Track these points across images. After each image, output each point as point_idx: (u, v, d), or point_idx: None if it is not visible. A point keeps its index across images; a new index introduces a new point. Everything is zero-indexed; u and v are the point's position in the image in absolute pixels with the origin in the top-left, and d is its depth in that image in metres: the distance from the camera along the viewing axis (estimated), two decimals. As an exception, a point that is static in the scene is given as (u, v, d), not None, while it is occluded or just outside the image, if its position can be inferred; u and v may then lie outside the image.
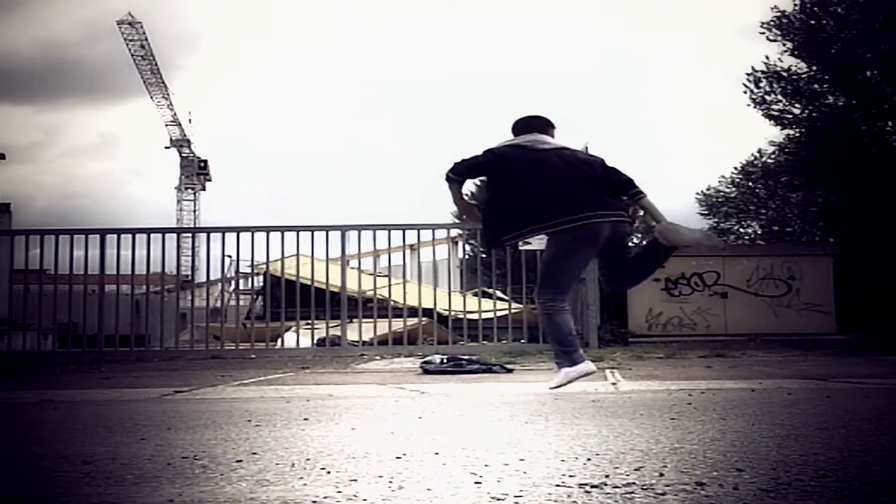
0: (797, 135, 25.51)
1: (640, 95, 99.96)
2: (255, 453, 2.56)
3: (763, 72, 24.94)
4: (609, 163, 5.24)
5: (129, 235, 11.04)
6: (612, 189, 5.12)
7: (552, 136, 5.31)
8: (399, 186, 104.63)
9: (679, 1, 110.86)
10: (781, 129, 25.97)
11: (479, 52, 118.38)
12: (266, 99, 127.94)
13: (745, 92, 25.18)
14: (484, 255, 27.00)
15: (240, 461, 2.41)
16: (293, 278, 11.14)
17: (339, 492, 1.97)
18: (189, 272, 42.06)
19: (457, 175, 5.23)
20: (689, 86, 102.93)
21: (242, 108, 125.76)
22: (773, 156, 28.21)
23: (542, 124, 5.35)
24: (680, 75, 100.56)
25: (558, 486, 2.00)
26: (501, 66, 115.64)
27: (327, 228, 11.12)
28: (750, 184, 31.95)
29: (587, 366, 4.94)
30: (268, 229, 11.03)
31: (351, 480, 2.10)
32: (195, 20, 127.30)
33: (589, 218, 4.93)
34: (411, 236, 11.96)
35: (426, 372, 6.92)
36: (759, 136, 77.85)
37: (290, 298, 11.07)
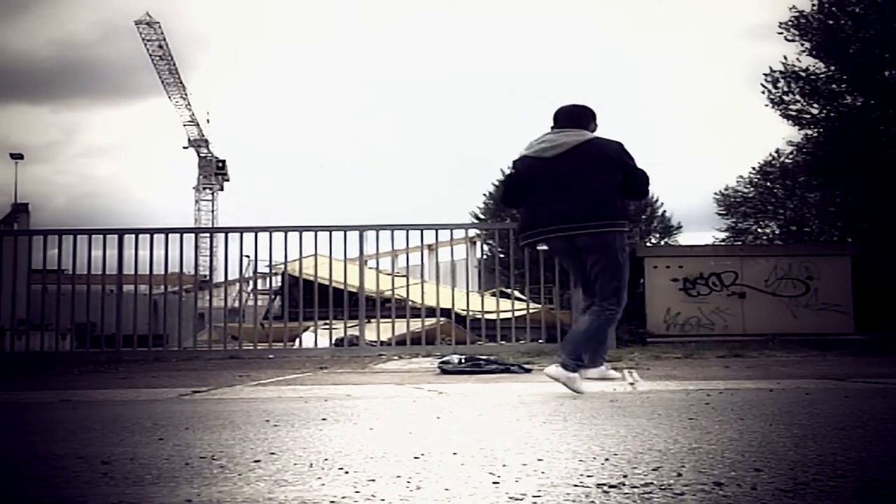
0: (815, 135, 25.35)
1: (641, 96, 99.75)
2: (273, 453, 2.57)
3: (781, 72, 24.81)
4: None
5: (147, 235, 11.06)
6: (628, 191, 5.09)
7: (592, 129, 5.23)
8: (402, 187, 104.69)
9: (679, 1, 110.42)
10: (799, 130, 25.84)
11: (479, 52, 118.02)
12: (281, 99, 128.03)
13: (763, 92, 25.07)
14: (502, 255, 27.02)
15: (258, 461, 2.42)
16: (311, 278, 11.14)
17: (357, 492, 1.97)
18: (207, 272, 42.23)
19: (508, 205, 5.92)
20: (689, 86, 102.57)
21: (259, 108, 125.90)
22: (791, 156, 28.04)
23: (573, 117, 5.23)
24: (680, 75, 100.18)
25: (576, 486, 2.00)
26: (501, 66, 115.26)
27: (345, 228, 11.13)
28: (768, 184, 31.81)
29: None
30: (286, 229, 11.03)
31: (369, 480, 2.11)
32: (207, 19, 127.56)
33: (553, 232, 5.03)
34: (429, 236, 11.96)
35: (444, 372, 6.92)
36: (765, 135, 77.66)
37: (307, 298, 11.07)
